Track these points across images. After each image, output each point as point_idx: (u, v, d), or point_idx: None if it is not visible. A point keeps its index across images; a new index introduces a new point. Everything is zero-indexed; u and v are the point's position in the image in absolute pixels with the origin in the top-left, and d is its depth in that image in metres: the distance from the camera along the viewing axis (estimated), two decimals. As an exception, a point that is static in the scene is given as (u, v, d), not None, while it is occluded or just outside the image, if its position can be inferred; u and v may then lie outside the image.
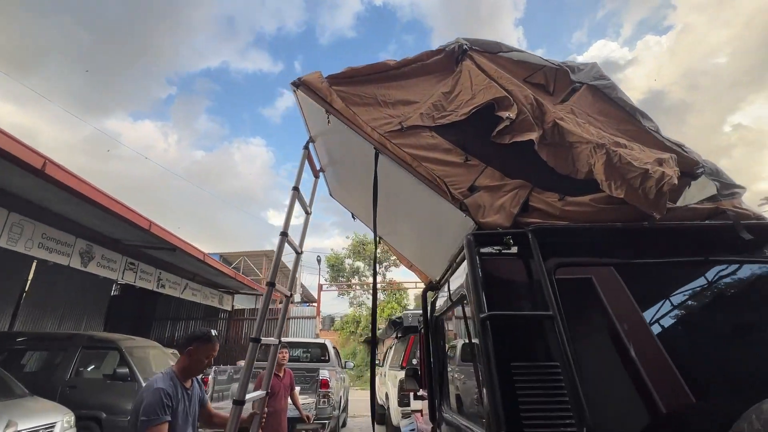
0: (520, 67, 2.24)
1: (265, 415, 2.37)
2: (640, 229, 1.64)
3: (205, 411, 2.25)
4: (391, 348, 8.01)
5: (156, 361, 7.27)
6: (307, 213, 3.06)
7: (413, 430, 3.84)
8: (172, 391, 1.97)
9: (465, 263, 1.82)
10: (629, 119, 2.09)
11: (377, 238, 2.24)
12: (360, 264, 29.40)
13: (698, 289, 1.55)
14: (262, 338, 2.21)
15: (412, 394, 3.60)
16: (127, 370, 6.22)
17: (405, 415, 5.21)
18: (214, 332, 2.26)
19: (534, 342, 1.40)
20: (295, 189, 2.62)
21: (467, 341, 2.07)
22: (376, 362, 9.22)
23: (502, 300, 1.47)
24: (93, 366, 6.59)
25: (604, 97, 2.14)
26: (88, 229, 5.60)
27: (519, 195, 1.83)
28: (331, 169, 3.27)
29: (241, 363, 10.02)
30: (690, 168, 1.92)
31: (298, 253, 2.79)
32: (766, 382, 1.24)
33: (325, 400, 5.11)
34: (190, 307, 11.60)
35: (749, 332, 1.43)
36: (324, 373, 5.37)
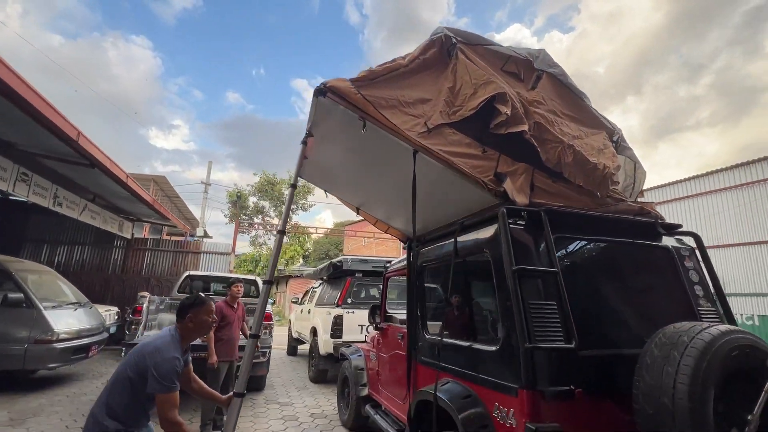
0: (496, 57, 2.59)
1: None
2: (604, 217, 2.35)
3: (184, 372, 2.14)
4: (315, 288, 8.48)
5: (48, 288, 6.43)
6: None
7: (360, 355, 4.47)
8: (181, 359, 1.98)
9: (486, 227, 2.33)
10: (577, 100, 2.78)
11: (415, 220, 2.47)
12: (266, 203, 28.40)
13: (631, 259, 2.36)
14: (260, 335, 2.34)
15: (369, 327, 4.17)
16: (22, 295, 5.46)
17: (339, 345, 5.87)
18: (202, 294, 2.22)
19: (541, 287, 2.00)
20: (293, 186, 2.63)
21: (464, 283, 2.64)
22: (295, 300, 9.64)
23: (521, 258, 2.02)
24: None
25: (559, 83, 2.73)
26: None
27: (527, 177, 2.37)
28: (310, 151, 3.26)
29: (144, 294, 9.38)
30: (611, 134, 2.80)
31: (282, 233, 2.60)
32: (661, 320, 2.08)
33: (267, 331, 5.43)
34: (77, 229, 10.01)
35: (659, 290, 2.30)
36: (267, 308, 5.64)
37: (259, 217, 28.46)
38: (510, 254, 1.98)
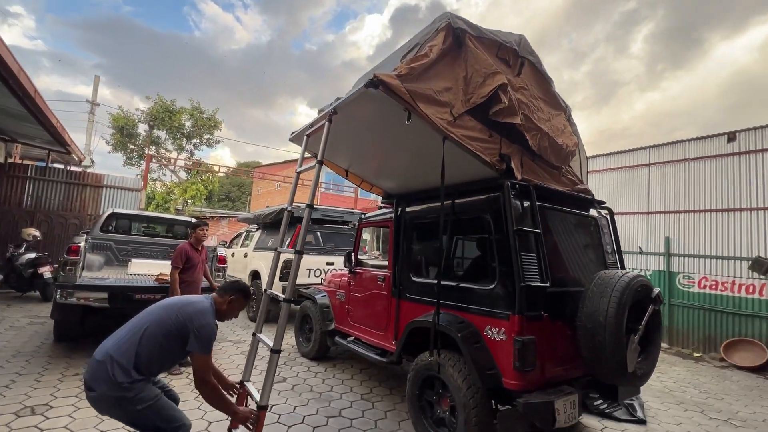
0: (493, 44, 3.00)
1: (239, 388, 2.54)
2: (567, 193, 3.13)
3: None
4: (251, 232, 8.36)
5: None
6: (297, 172, 3.12)
7: (324, 296, 4.90)
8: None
9: (486, 194, 2.90)
10: (547, 85, 3.41)
11: (401, 178, 2.77)
12: (161, 134, 24.91)
13: (578, 224, 3.22)
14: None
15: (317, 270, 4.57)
16: None
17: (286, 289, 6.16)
18: (251, 289, 2.45)
19: (528, 243, 2.68)
20: (320, 163, 2.71)
21: (455, 236, 3.23)
22: (224, 244, 9.32)
23: (516, 221, 2.66)
24: None
25: (536, 70, 3.30)
26: None
27: (519, 158, 2.97)
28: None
29: (31, 231, 8.01)
30: (565, 112, 3.57)
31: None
32: (589, 268, 2.98)
33: (220, 273, 5.41)
34: None
35: (588, 246, 3.21)
36: (221, 251, 5.55)
37: (153, 148, 24.93)
38: (512, 218, 2.60)
